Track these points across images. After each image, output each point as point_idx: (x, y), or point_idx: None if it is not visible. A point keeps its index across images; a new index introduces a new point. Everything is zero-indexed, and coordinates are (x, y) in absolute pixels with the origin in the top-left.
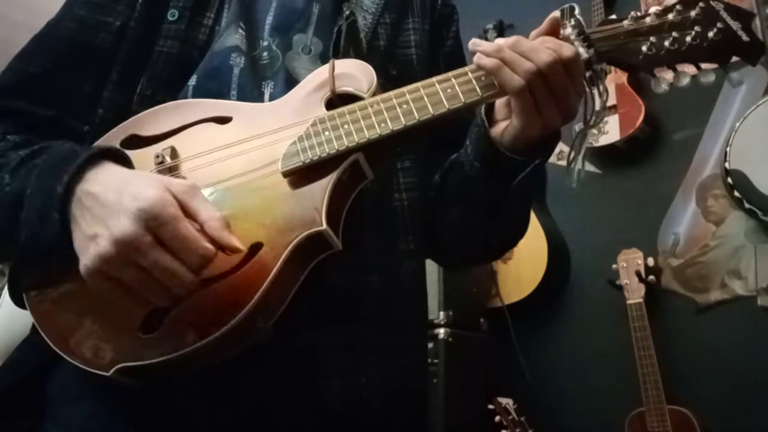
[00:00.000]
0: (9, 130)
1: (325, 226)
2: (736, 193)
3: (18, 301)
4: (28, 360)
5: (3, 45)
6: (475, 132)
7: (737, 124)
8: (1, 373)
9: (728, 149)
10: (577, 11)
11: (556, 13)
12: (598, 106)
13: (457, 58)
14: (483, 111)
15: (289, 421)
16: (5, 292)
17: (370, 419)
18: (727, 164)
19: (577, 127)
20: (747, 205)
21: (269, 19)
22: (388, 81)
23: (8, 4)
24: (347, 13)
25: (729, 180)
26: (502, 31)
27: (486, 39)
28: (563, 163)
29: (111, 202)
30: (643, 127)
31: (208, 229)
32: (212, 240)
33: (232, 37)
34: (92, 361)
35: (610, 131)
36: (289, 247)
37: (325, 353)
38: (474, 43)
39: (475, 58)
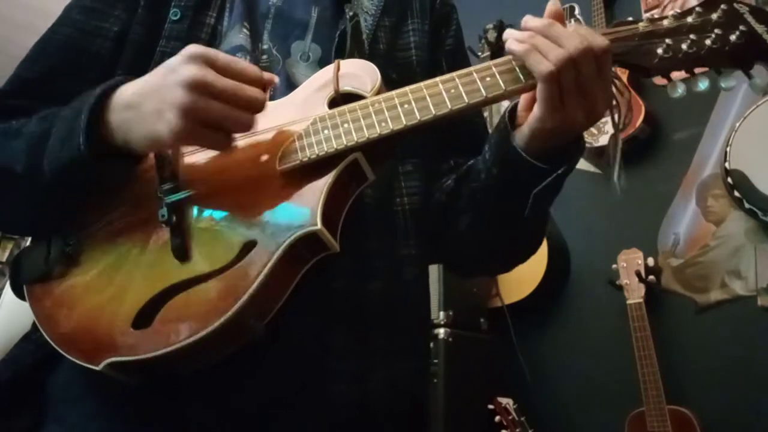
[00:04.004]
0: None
1: (320, 226)
2: (736, 193)
3: (19, 292)
4: (26, 356)
5: (3, 44)
6: (495, 137)
7: (737, 124)
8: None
9: (728, 149)
10: (577, 11)
11: (556, 4)
12: (623, 107)
13: (459, 56)
14: (507, 115)
15: (295, 425)
16: (5, 291)
17: (375, 423)
18: (727, 164)
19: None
20: (747, 205)
21: (267, 26)
22: (388, 85)
23: (8, 4)
24: (351, 14)
25: (729, 180)
26: (502, 31)
27: (486, 39)
28: None
29: (160, 74)
30: (643, 127)
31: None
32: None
33: (237, 36)
34: (84, 354)
35: (610, 131)
36: (282, 247)
37: (333, 357)
38: (507, 32)
39: (507, 44)
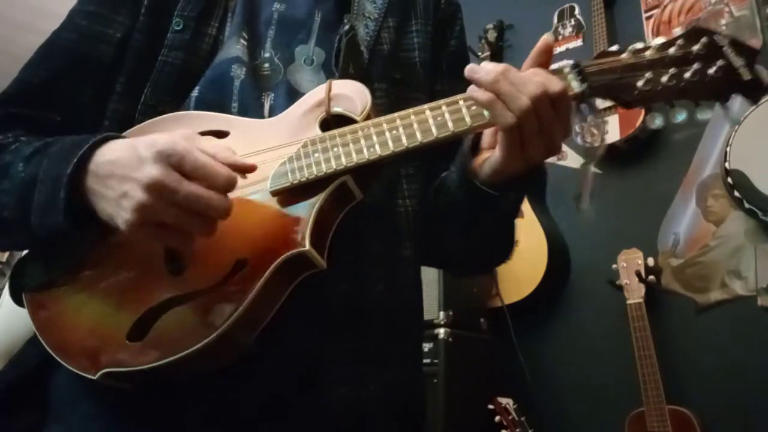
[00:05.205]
0: (21, 134)
1: (308, 247)
2: (736, 193)
3: (18, 299)
4: (30, 359)
5: (3, 44)
6: (459, 160)
7: (737, 124)
8: (5, 371)
9: (728, 149)
10: (577, 11)
11: (549, 36)
12: (597, 140)
13: (459, 58)
14: (470, 141)
15: (293, 426)
16: (5, 292)
17: (372, 427)
18: (727, 164)
19: (578, 139)
20: (747, 205)
21: (271, 33)
22: (392, 86)
23: (8, 3)
24: (347, 27)
25: (729, 180)
26: (502, 31)
27: (486, 39)
28: (563, 163)
29: (128, 158)
30: (643, 127)
31: (220, 158)
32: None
33: (234, 47)
34: (81, 364)
35: (610, 131)
36: (272, 267)
37: (330, 362)
38: (471, 69)
39: (469, 90)
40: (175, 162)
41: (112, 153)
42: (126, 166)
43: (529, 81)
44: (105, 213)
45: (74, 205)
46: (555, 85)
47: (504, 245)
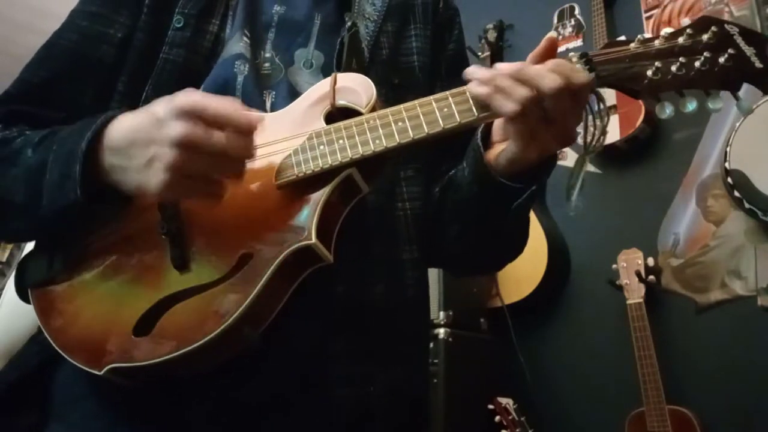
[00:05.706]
0: (25, 129)
1: (314, 240)
2: (736, 193)
3: (24, 296)
4: (32, 358)
5: (3, 44)
6: (472, 155)
7: (737, 124)
8: (6, 370)
9: (728, 149)
10: (577, 11)
11: (553, 34)
12: (598, 131)
13: (459, 61)
14: (479, 134)
15: (294, 423)
16: (5, 291)
17: (374, 427)
18: (727, 164)
19: (580, 140)
20: (747, 205)
21: (271, 35)
22: (391, 90)
23: (8, 3)
24: (349, 24)
25: (729, 180)
26: (502, 31)
27: (486, 39)
28: (563, 163)
29: (147, 122)
30: (643, 127)
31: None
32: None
33: (237, 44)
34: (87, 359)
35: (610, 131)
36: (278, 260)
37: (333, 362)
38: (468, 72)
39: (469, 86)
40: (195, 114)
41: (128, 123)
42: (146, 130)
43: (549, 74)
44: (130, 184)
45: (88, 179)
46: (581, 77)
47: (517, 240)
